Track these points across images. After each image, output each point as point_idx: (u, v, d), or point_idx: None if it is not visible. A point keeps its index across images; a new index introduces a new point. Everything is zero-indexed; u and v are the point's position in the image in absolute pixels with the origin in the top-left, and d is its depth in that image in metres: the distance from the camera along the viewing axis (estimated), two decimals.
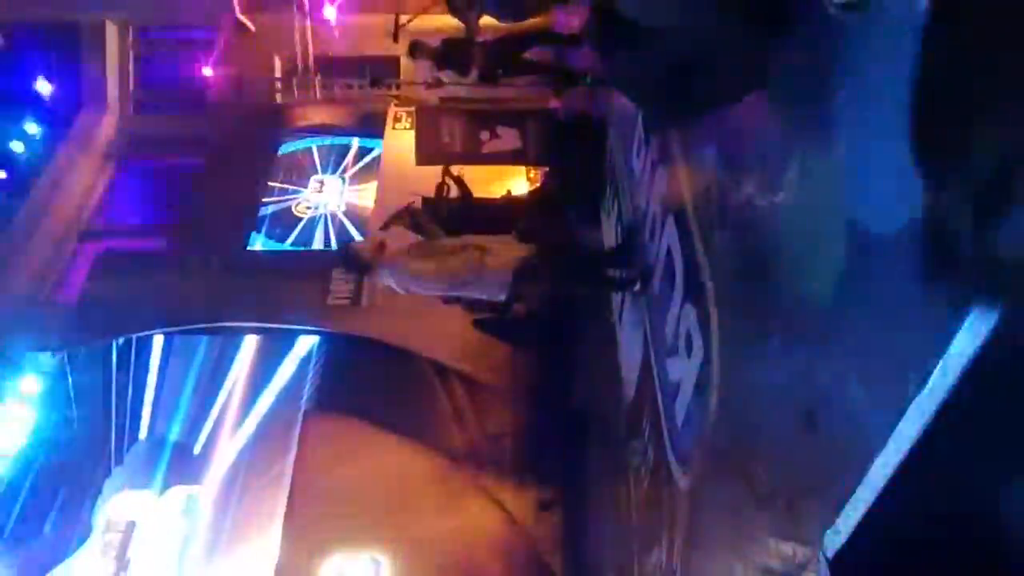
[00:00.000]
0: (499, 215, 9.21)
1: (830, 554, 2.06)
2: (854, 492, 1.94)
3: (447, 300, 7.75)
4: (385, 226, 7.10)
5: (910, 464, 1.77)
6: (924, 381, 1.66)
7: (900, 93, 1.80)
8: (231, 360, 10.70)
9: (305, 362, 10.19)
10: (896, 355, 1.84)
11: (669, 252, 4.09)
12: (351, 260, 5.18)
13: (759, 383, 2.87)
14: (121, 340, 10.74)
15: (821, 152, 2.35)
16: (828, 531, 2.06)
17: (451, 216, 7.43)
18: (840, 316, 2.21)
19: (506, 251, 5.05)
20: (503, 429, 8.38)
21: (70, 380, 10.92)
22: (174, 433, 11.30)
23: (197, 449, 11.00)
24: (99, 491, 10.89)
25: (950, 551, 1.88)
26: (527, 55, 8.70)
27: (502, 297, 5.11)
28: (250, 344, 10.67)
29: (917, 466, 1.77)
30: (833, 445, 2.18)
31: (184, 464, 11.18)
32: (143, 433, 11.11)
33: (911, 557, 1.93)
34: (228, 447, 10.94)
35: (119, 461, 11.05)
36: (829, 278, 2.31)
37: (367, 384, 9.04)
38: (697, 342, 3.54)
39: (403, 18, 9.68)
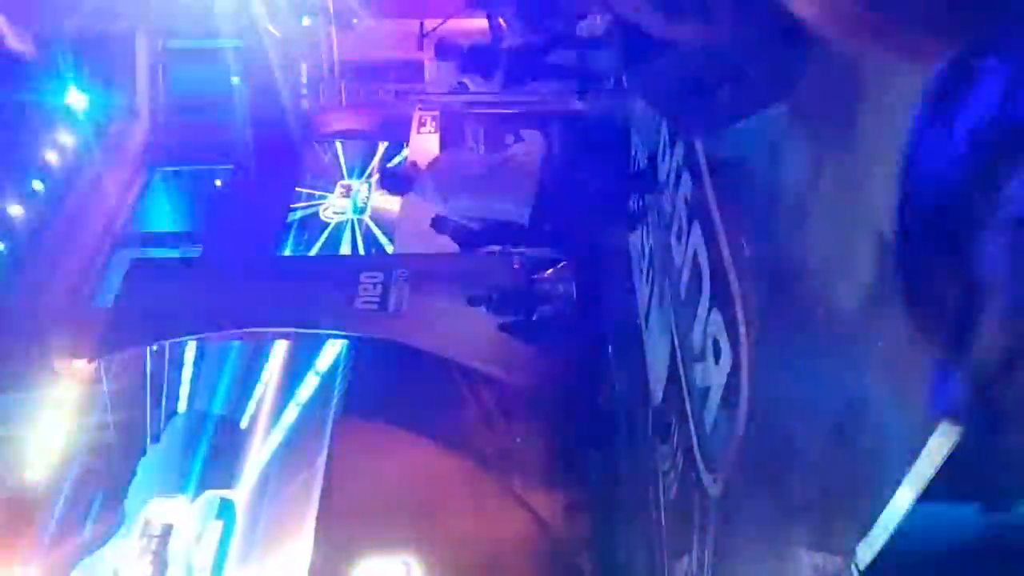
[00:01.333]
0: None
1: (862, 566, 2.05)
2: (887, 504, 1.93)
3: (472, 301, 7.83)
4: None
5: (942, 477, 1.76)
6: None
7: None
8: (262, 365, 10.85)
9: (334, 367, 10.29)
10: (928, 366, 1.82)
11: (695, 256, 4.08)
12: (393, 180, 5.55)
13: (789, 392, 2.85)
14: (155, 347, 10.92)
15: (849, 159, 2.34)
16: (860, 543, 2.05)
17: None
18: (870, 326, 2.20)
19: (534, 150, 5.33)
20: (531, 431, 8.39)
21: (105, 386, 11.13)
22: (209, 431, 11.50)
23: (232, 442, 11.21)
24: (134, 474, 11.08)
25: (982, 564, 1.86)
26: (550, 58, 8.71)
27: (525, 221, 5.47)
28: (280, 349, 10.81)
29: (949, 479, 1.75)
30: (865, 457, 2.16)
31: (218, 463, 11.37)
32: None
33: (943, 571, 1.91)
34: (260, 451, 11.09)
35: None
36: (859, 287, 2.29)
37: (395, 388, 9.10)
38: (725, 349, 3.53)
39: (428, 24, 9.74)
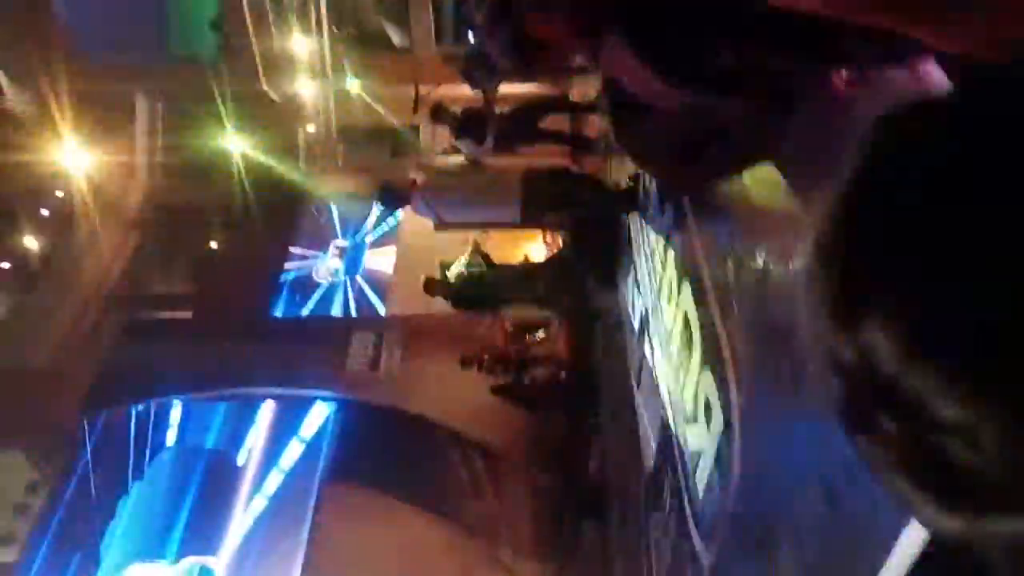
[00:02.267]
0: (517, 280, 9.27)
1: None
2: (881, 571, 1.86)
3: (464, 363, 7.75)
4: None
5: (936, 542, 1.69)
6: None
7: None
8: (248, 427, 10.67)
9: (320, 431, 10.12)
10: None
11: (686, 317, 4.06)
12: (389, 195, 5.77)
13: (782, 455, 2.79)
14: (140, 406, 10.76)
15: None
16: None
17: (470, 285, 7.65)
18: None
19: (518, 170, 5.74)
20: (520, 499, 8.21)
21: (88, 445, 10.91)
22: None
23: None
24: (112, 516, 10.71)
25: None
26: (542, 123, 8.88)
27: (518, 219, 5.74)
28: (267, 410, 10.65)
29: (943, 545, 1.69)
30: (858, 522, 2.10)
31: (200, 525, 11.02)
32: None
33: None
34: (243, 516, 10.79)
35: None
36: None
37: (383, 452, 8.94)
38: (716, 411, 3.47)
39: (422, 89, 9.95)
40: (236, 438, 10.80)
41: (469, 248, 8.01)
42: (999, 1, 0.54)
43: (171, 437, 10.97)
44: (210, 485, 10.99)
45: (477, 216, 6.53)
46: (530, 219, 6.42)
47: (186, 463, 11.31)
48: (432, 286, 7.59)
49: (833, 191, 0.51)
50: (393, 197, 5.84)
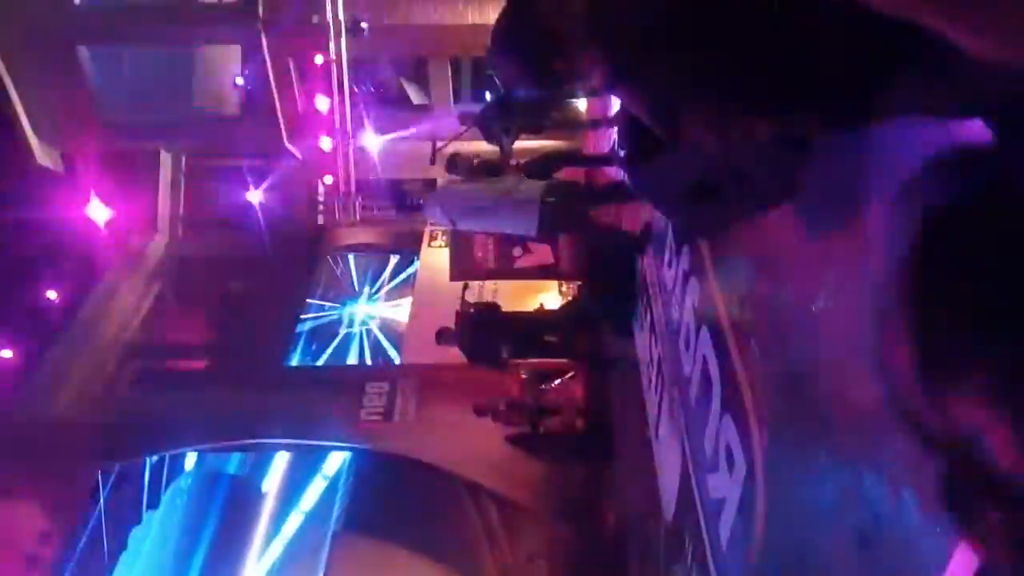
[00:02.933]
0: (531, 329, 9.27)
1: None
2: None
3: (478, 412, 7.68)
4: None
5: None
6: None
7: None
8: (262, 477, 10.57)
9: (336, 479, 10.02)
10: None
11: (705, 363, 4.02)
12: (404, 199, 5.70)
13: (808, 501, 2.73)
14: (155, 458, 10.73)
15: (854, 262, 2.33)
16: None
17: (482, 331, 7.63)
18: (889, 428, 2.12)
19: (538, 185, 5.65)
20: (536, 550, 8.04)
21: (102, 497, 10.85)
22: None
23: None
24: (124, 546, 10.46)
25: None
26: (558, 175, 8.98)
27: (533, 232, 5.67)
28: (281, 461, 10.57)
29: None
30: (888, 568, 2.03)
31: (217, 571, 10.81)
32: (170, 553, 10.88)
33: None
34: (256, 569, 10.62)
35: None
36: (873, 390, 2.23)
37: (398, 503, 8.83)
38: (739, 457, 3.41)
39: (439, 143, 10.12)
40: (260, 462, 10.57)
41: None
42: None
43: (190, 461, 10.76)
44: (231, 517, 10.77)
45: (492, 225, 6.42)
46: (545, 233, 6.30)
47: (206, 491, 11.05)
48: (445, 337, 7.54)
49: (904, 258, 0.48)
50: (406, 200, 5.88)
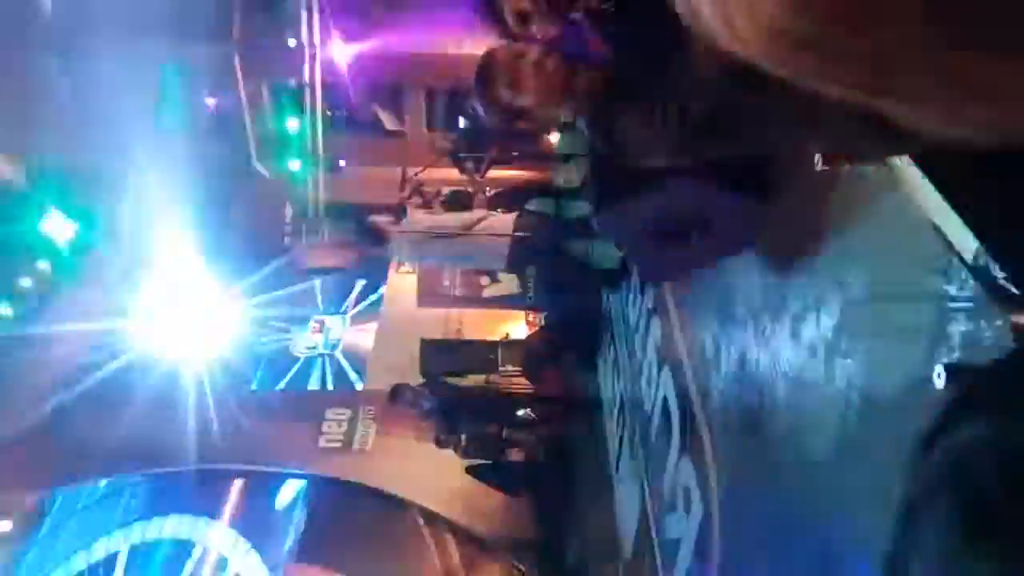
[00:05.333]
0: (493, 356, 9.25)
1: None
2: None
3: (440, 443, 7.60)
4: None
5: None
6: None
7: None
8: (217, 503, 10.31)
9: (291, 507, 9.83)
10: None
11: (665, 403, 4.04)
12: (369, 233, 5.54)
13: (762, 544, 2.74)
14: (104, 482, 10.42)
15: (812, 311, 2.38)
16: None
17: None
18: (842, 475, 2.15)
19: (508, 219, 5.63)
20: None
21: (46, 523, 10.50)
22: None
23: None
24: None
25: None
26: (528, 207, 9.04)
27: (503, 265, 5.67)
28: (236, 487, 10.34)
29: None
30: None
31: None
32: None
33: None
34: None
35: None
36: (828, 435, 2.26)
37: (354, 534, 8.66)
38: (696, 498, 3.42)
39: (411, 171, 10.15)
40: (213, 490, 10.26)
41: None
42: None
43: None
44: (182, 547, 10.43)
45: (459, 263, 6.39)
46: (514, 267, 6.28)
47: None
48: (398, 394, 7.37)
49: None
50: (372, 238, 5.70)
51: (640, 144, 1.55)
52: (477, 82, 1.75)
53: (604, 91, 1.66)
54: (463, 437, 7.37)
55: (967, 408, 0.45)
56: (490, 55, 1.75)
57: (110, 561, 10.41)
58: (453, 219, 5.54)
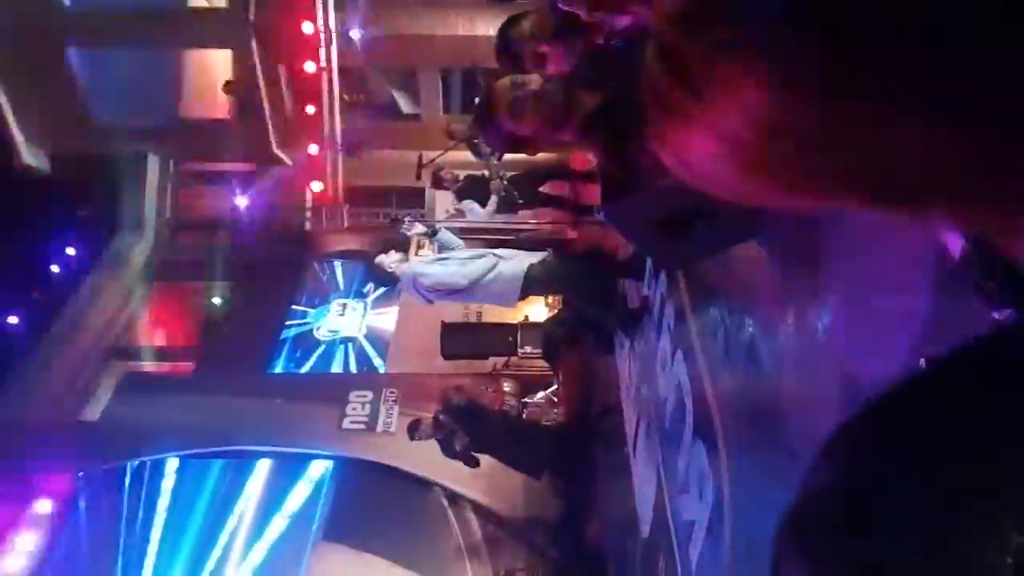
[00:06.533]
0: (512, 339, 9.33)
1: None
2: None
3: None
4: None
5: None
6: None
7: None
8: (243, 484, 10.53)
9: (317, 488, 10.01)
10: None
11: (679, 387, 4.09)
12: (377, 273, 5.67)
13: (772, 527, 2.79)
14: (136, 463, 10.67)
15: (815, 298, 2.41)
16: None
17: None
18: None
19: (520, 258, 5.57)
20: (516, 565, 8.07)
21: (82, 503, 10.78)
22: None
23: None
24: None
25: None
26: (544, 188, 9.07)
27: (513, 303, 5.72)
28: (263, 468, 10.55)
29: None
30: None
31: None
32: (150, 560, 10.79)
33: None
34: (238, 571, 10.58)
35: None
36: (833, 420, 2.30)
37: (379, 513, 8.83)
38: (708, 481, 3.47)
39: (428, 156, 10.18)
40: (242, 467, 10.50)
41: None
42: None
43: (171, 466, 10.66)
44: (213, 517, 10.65)
45: (471, 299, 6.58)
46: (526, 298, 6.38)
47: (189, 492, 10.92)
48: (418, 431, 7.48)
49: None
50: (381, 277, 5.82)
51: (653, 169, 1.59)
52: (480, 111, 1.81)
53: (613, 117, 1.70)
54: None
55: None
56: (492, 85, 1.80)
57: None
58: (459, 264, 5.54)
